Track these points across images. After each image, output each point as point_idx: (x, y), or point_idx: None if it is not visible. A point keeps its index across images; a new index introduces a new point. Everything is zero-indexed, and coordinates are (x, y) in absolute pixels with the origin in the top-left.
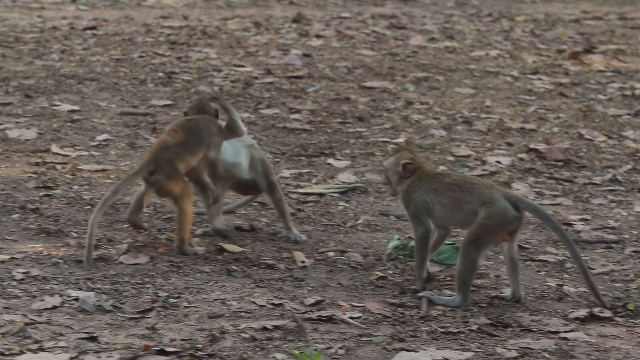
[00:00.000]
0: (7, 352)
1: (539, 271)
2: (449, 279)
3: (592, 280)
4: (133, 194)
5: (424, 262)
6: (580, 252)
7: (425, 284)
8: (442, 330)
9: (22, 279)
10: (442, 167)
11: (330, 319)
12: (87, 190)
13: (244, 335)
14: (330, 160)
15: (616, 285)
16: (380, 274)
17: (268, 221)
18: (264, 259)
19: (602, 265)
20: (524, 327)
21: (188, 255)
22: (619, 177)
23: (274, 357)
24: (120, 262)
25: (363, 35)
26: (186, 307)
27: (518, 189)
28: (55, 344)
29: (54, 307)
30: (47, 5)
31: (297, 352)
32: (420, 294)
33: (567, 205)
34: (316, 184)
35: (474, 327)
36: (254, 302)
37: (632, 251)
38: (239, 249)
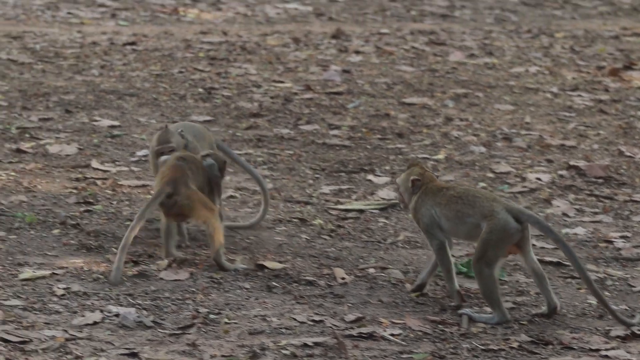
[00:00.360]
0: None
1: (579, 288)
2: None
3: (598, 292)
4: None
5: (451, 274)
6: (586, 265)
7: (463, 299)
8: (482, 347)
9: (63, 295)
10: (481, 184)
11: (370, 336)
12: (127, 206)
13: (284, 351)
14: (370, 177)
15: None
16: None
17: (308, 237)
18: (304, 276)
19: None
20: (564, 345)
21: (228, 271)
22: None
23: None
24: (161, 278)
25: (402, 51)
26: (227, 323)
27: (558, 206)
28: (96, 359)
29: (95, 323)
30: (86, 20)
31: None
32: (460, 311)
33: (608, 222)
34: (356, 200)
35: (515, 345)
36: (295, 319)
37: None
38: (280, 265)
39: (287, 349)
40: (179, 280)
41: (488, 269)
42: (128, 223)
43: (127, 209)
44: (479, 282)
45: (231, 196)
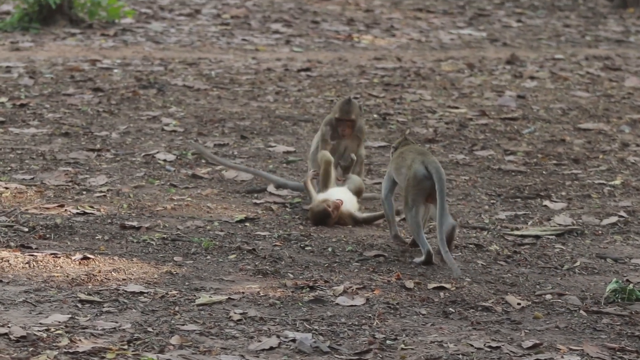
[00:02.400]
0: None
1: None
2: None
3: (445, 245)
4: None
5: (393, 222)
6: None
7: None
8: None
9: (240, 320)
10: None
11: None
12: (299, 231)
13: None
14: (546, 202)
15: None
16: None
17: (484, 263)
18: (480, 302)
19: None
20: None
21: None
22: None
23: None
24: (337, 304)
25: (577, 76)
26: (403, 349)
27: None
28: None
29: (271, 348)
30: (261, 47)
31: None
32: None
33: None
34: (532, 225)
35: None
36: (471, 345)
37: None
38: (456, 291)
39: None
40: (355, 305)
41: (409, 211)
42: (303, 246)
43: (295, 233)
44: (408, 223)
45: None
